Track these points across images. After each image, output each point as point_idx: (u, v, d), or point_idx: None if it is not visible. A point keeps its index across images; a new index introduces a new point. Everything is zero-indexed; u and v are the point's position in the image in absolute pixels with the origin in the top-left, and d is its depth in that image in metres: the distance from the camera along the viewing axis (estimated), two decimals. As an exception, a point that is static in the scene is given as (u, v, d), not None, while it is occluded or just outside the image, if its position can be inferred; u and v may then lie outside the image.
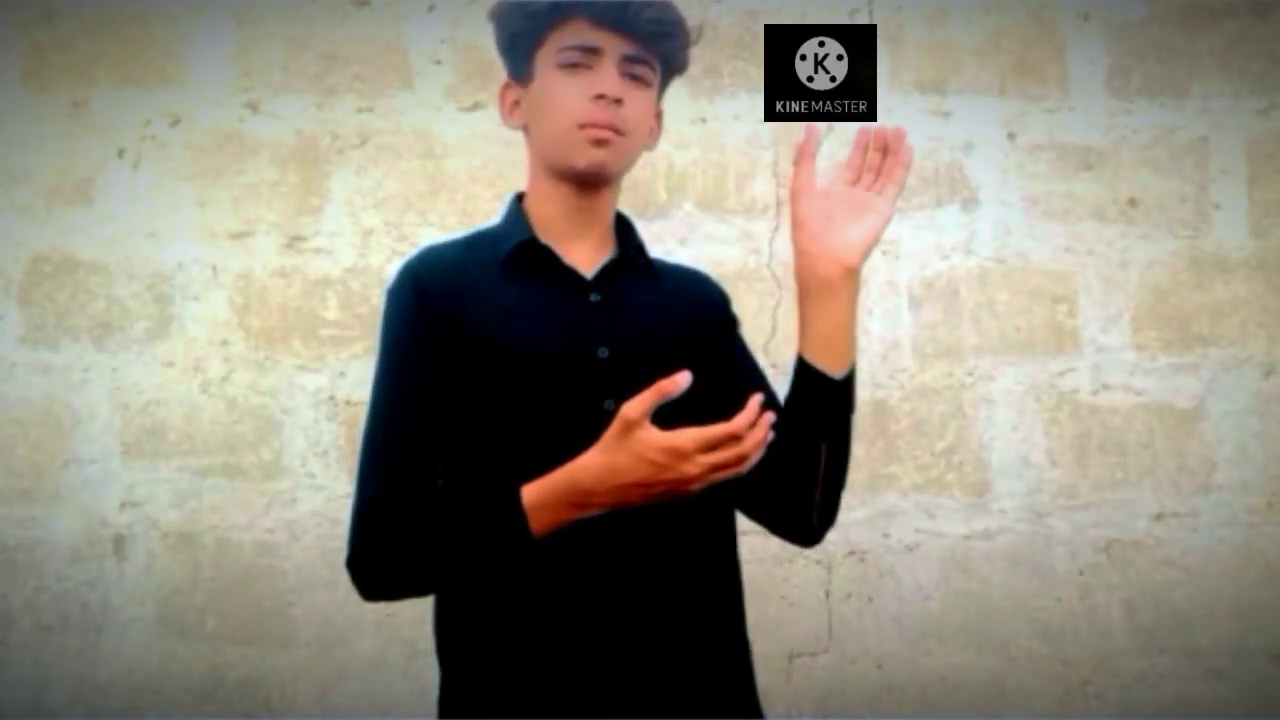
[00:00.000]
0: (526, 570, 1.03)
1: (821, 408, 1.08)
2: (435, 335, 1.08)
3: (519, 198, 1.18)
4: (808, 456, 1.09)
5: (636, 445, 0.95)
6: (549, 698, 1.03)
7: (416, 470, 1.06)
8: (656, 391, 0.93)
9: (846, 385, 1.08)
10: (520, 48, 1.13)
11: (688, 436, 0.93)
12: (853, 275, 1.07)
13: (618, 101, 1.08)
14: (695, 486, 0.95)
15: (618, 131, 1.08)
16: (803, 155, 1.08)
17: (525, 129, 1.15)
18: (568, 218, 1.13)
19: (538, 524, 1.00)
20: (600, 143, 1.08)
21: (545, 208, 1.14)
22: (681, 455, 0.93)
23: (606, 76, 1.08)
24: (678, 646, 1.07)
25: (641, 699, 1.04)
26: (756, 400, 0.94)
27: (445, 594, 1.11)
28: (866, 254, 1.07)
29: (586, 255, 1.14)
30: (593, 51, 1.08)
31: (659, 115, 1.19)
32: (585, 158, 1.08)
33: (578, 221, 1.13)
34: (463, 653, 1.09)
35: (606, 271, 1.13)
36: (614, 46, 1.08)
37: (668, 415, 0.97)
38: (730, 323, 1.24)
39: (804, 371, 1.08)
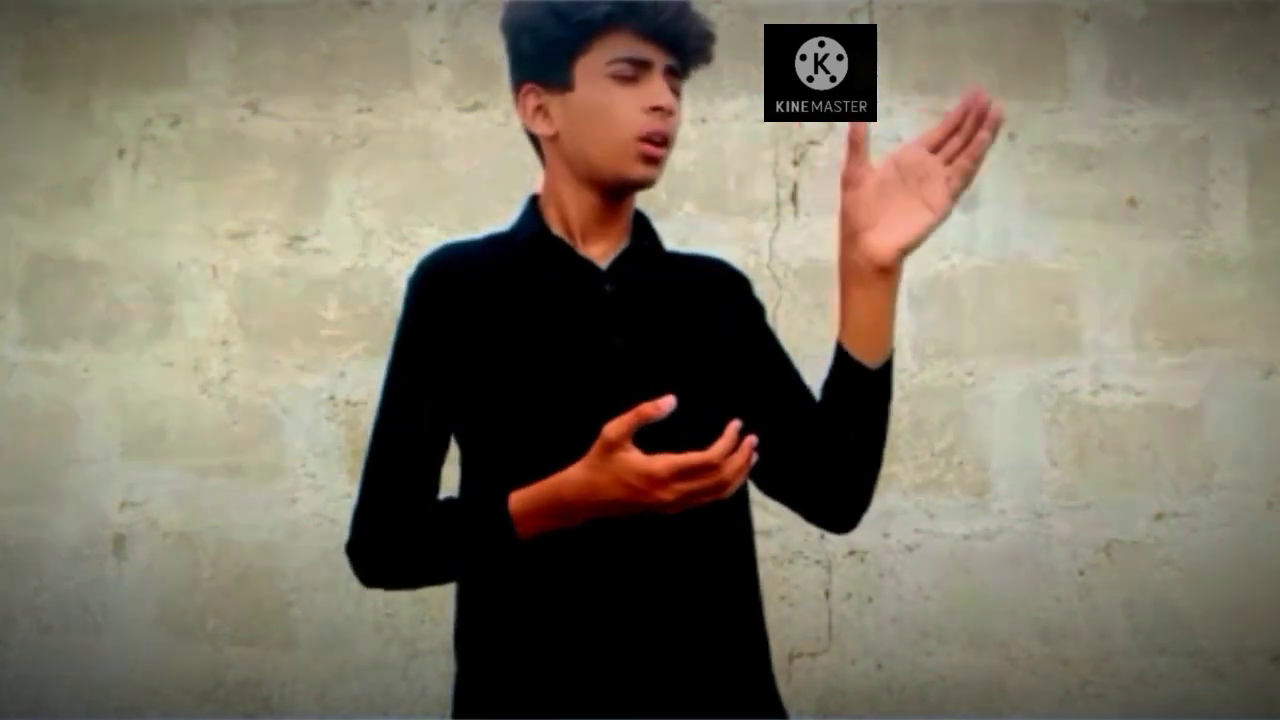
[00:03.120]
0: (546, 568, 1.04)
1: (857, 395, 1.08)
2: (447, 329, 1.09)
3: (535, 198, 1.18)
4: (844, 441, 1.09)
5: (615, 466, 0.95)
6: (568, 696, 1.03)
7: (419, 464, 1.09)
8: (637, 414, 0.93)
9: (882, 375, 1.08)
10: (558, 54, 1.10)
11: (663, 463, 0.94)
12: (887, 274, 1.04)
13: (670, 112, 1.09)
14: (674, 510, 0.96)
15: (669, 143, 1.10)
16: (852, 147, 1.05)
17: (553, 136, 1.13)
18: (592, 220, 1.13)
19: (524, 529, 1.02)
20: (655, 159, 1.09)
21: (566, 210, 1.14)
22: (657, 482, 0.94)
23: (659, 89, 1.08)
24: (698, 645, 1.07)
25: (662, 698, 1.04)
26: (734, 428, 0.94)
27: (458, 587, 1.13)
28: (906, 254, 1.04)
29: (603, 250, 1.14)
30: (643, 64, 1.08)
31: None
32: (639, 171, 1.09)
33: (601, 223, 1.14)
34: (482, 650, 1.09)
35: (620, 262, 1.13)
36: (661, 59, 1.09)
37: (695, 408, 0.97)
38: (753, 308, 1.22)
39: (841, 358, 1.08)
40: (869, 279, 1.05)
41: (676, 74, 1.11)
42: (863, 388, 1.07)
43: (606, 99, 1.08)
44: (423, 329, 1.11)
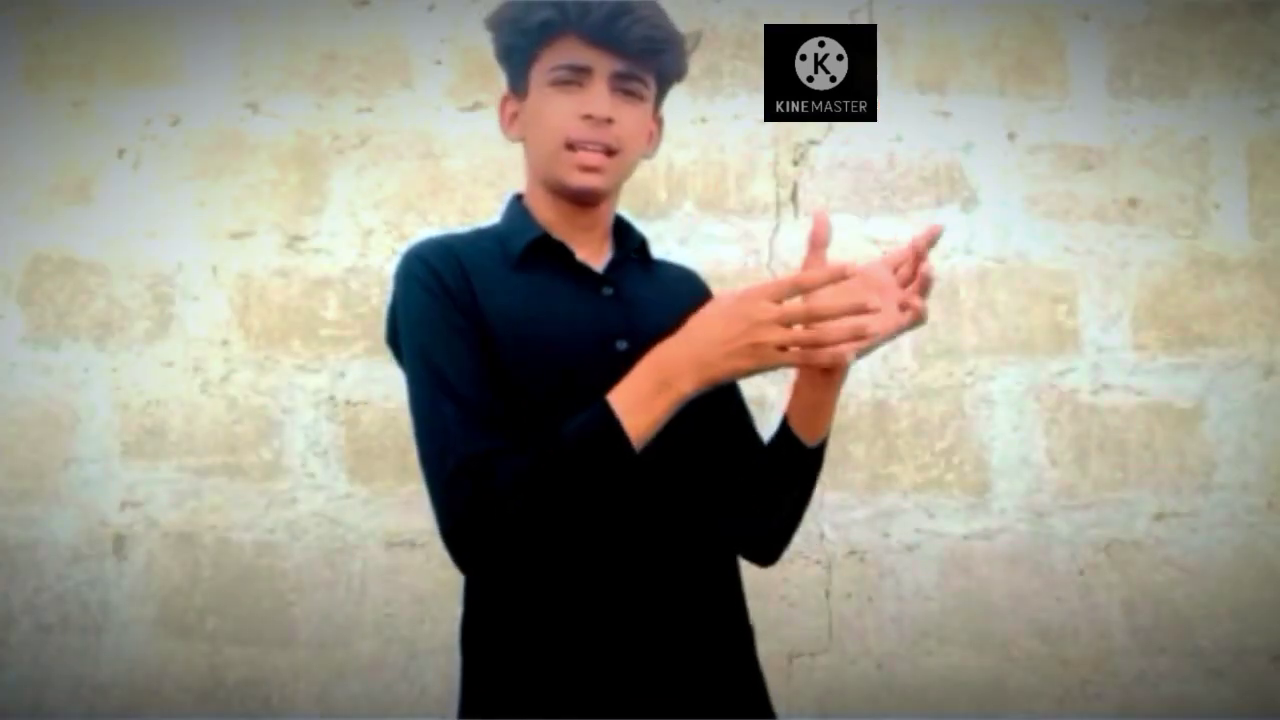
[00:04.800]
0: (550, 569, 1.04)
1: (792, 465, 1.14)
2: (464, 311, 1.06)
3: (519, 197, 1.19)
4: (777, 498, 1.16)
5: (711, 306, 0.97)
6: (571, 694, 1.04)
7: (497, 425, 1.01)
8: None
9: (817, 452, 1.14)
10: (516, 61, 1.13)
11: (756, 287, 0.94)
12: (832, 373, 1.09)
13: (608, 121, 1.07)
14: (773, 338, 0.93)
15: (609, 152, 1.09)
16: (813, 247, 1.03)
17: (522, 141, 1.16)
18: (567, 223, 1.15)
19: (633, 426, 0.97)
20: (590, 168, 1.08)
21: (544, 214, 1.15)
22: (749, 300, 0.94)
23: (596, 96, 1.08)
24: (694, 649, 1.08)
25: (660, 701, 1.05)
26: (831, 268, 0.93)
27: (465, 584, 1.11)
28: (842, 366, 1.07)
29: (591, 254, 1.15)
30: (583, 70, 1.08)
31: (659, 121, 1.20)
32: (575, 180, 1.09)
33: (577, 227, 1.15)
34: (488, 647, 1.09)
35: (613, 267, 1.15)
36: (604, 65, 1.08)
37: (696, 408, 1.00)
38: None
39: (784, 431, 1.14)
40: (816, 374, 1.09)
41: (635, 78, 1.10)
42: (798, 461, 1.13)
43: (544, 105, 1.10)
44: (444, 308, 1.05)
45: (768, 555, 1.21)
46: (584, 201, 1.13)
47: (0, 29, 2.09)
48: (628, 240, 1.20)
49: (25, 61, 2.09)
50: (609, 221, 1.18)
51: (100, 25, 2.09)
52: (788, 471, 1.15)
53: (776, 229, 2.04)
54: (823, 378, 1.10)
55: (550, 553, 1.02)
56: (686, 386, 0.97)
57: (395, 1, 2.09)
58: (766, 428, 1.23)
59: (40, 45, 2.09)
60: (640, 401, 0.98)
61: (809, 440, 1.12)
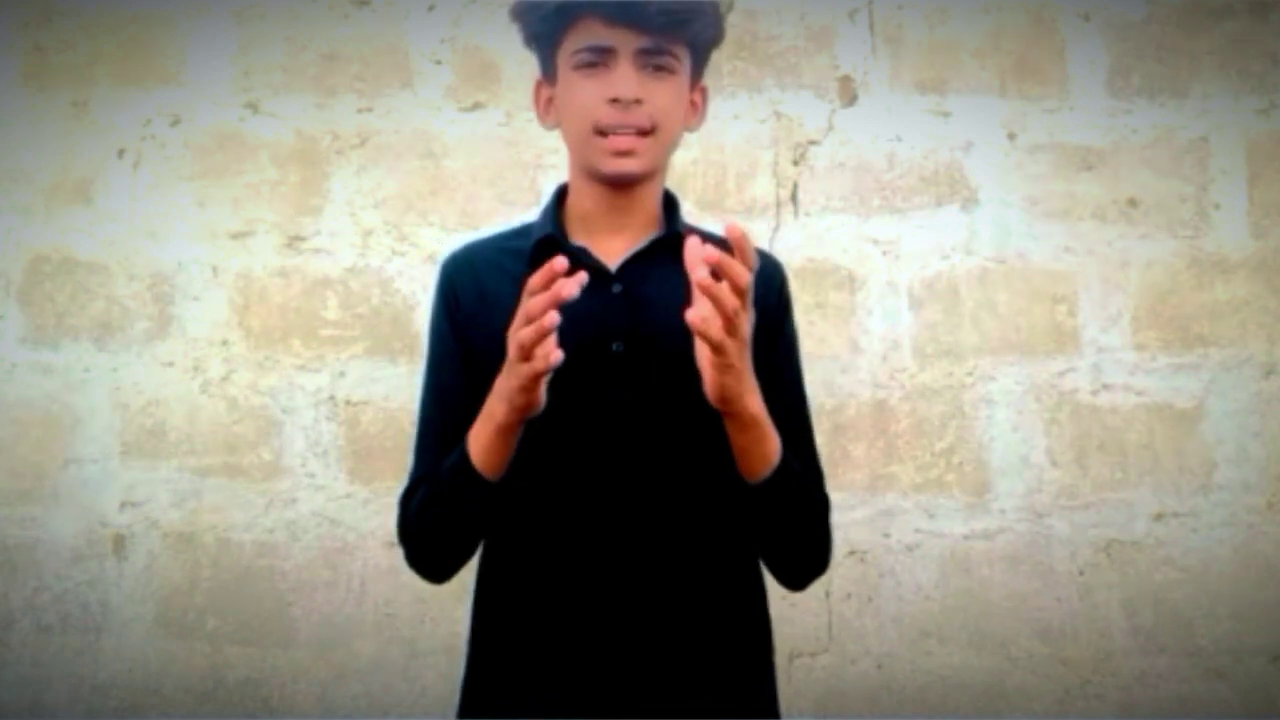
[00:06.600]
0: (555, 567, 1.05)
1: (747, 503, 1.05)
2: (462, 333, 1.12)
3: (562, 190, 1.17)
4: (753, 531, 1.08)
5: None
6: (574, 694, 1.03)
7: (449, 440, 1.08)
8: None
9: (763, 489, 1.03)
10: (542, 48, 1.11)
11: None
12: (726, 417, 0.99)
13: (637, 101, 1.04)
14: (512, 340, 0.92)
15: (642, 132, 1.05)
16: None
17: (559, 128, 1.13)
18: (604, 213, 1.11)
19: (476, 449, 1.01)
20: (623, 153, 1.05)
21: (582, 202, 1.12)
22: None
23: (621, 77, 1.04)
24: (699, 646, 1.06)
25: (660, 698, 1.04)
26: (551, 265, 0.90)
27: (475, 582, 1.14)
28: (724, 404, 0.97)
29: (619, 244, 1.11)
30: (606, 51, 1.05)
31: (702, 91, 1.16)
32: (609, 166, 1.06)
33: (615, 216, 1.11)
34: (492, 646, 1.09)
35: (633, 261, 1.10)
36: (628, 42, 1.04)
37: (690, 413, 0.98)
38: (773, 310, 1.12)
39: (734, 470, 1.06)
40: (725, 420, 1.01)
41: (665, 53, 1.06)
42: (747, 498, 1.04)
43: (571, 90, 1.07)
44: (441, 333, 1.14)
45: (791, 584, 1.14)
46: (623, 185, 1.09)
47: (0, 29, 2.09)
48: (674, 223, 1.14)
49: (25, 61, 2.09)
50: (655, 204, 1.14)
51: (100, 25, 2.09)
52: (749, 508, 1.06)
53: (776, 229, 2.04)
54: (726, 421, 1.00)
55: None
56: (498, 413, 0.98)
57: (395, 1, 2.09)
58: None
59: (40, 45, 2.09)
60: (478, 432, 1.02)
61: (748, 478, 1.03)
